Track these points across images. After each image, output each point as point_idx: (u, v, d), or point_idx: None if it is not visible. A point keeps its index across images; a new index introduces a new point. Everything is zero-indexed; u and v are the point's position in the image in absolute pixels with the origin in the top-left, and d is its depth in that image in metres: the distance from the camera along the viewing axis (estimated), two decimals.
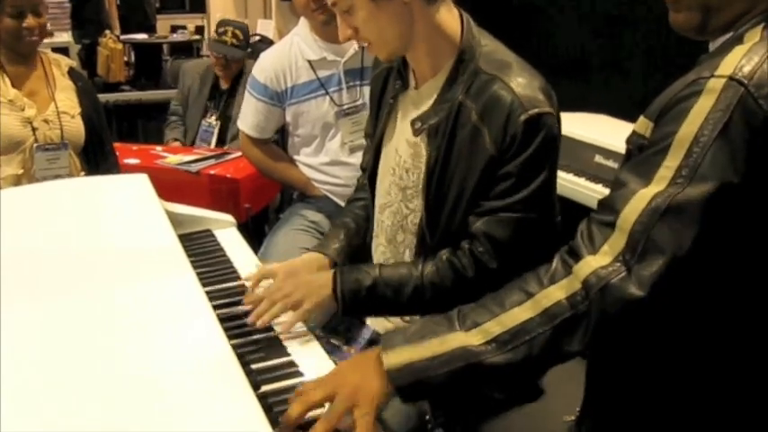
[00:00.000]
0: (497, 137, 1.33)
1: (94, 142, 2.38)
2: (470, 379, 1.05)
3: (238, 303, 1.44)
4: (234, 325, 1.33)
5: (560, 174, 2.67)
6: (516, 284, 1.08)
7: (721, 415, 1.09)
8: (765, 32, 0.99)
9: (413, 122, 1.45)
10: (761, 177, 0.95)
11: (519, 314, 1.04)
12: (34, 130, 2.20)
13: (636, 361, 1.14)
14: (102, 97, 3.88)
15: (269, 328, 1.34)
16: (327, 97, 2.39)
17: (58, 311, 1.21)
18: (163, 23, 8.11)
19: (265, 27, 6.97)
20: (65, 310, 1.22)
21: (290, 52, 2.42)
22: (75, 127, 2.30)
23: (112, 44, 6.45)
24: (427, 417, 1.45)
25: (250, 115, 2.51)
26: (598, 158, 2.71)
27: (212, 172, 3.06)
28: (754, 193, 0.96)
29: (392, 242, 1.56)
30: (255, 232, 3.08)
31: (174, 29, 8.09)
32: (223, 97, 3.72)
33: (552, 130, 1.35)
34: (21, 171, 2.20)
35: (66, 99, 2.31)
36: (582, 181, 2.69)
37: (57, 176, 2.20)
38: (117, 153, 2.56)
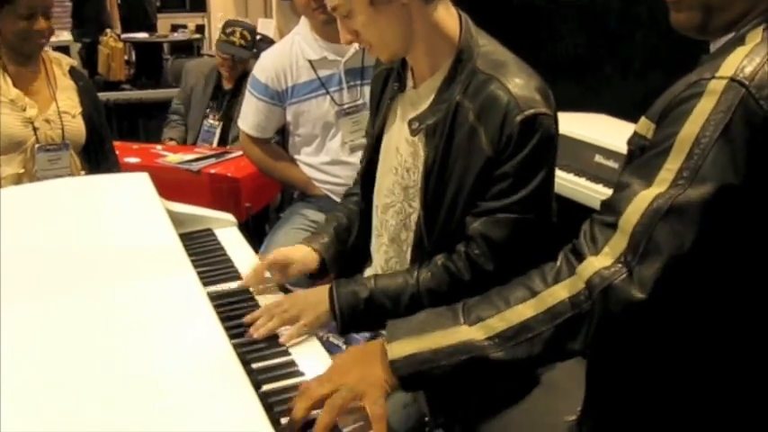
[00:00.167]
0: (494, 137, 1.33)
1: (95, 142, 2.38)
2: (472, 372, 1.06)
3: (239, 303, 1.44)
4: (234, 324, 1.33)
5: (561, 174, 2.71)
6: (521, 281, 1.09)
7: (722, 415, 1.09)
8: (767, 33, 0.99)
9: (410, 122, 1.45)
10: (762, 178, 0.95)
11: (523, 311, 1.05)
12: (35, 130, 2.20)
13: (636, 361, 1.14)
14: (103, 96, 3.88)
15: None
16: (328, 97, 2.39)
17: (59, 311, 1.21)
18: (163, 22, 8.12)
19: (266, 26, 6.96)
20: (65, 310, 1.22)
21: (291, 52, 2.43)
22: (77, 127, 2.30)
23: (113, 43, 6.46)
24: (426, 418, 1.45)
25: (251, 115, 2.51)
26: (598, 158, 2.71)
27: (213, 171, 3.07)
28: (755, 195, 0.96)
29: (395, 241, 1.56)
30: (256, 231, 3.08)
31: (174, 28, 8.10)
32: (226, 98, 3.72)
33: (549, 130, 1.35)
34: (22, 171, 2.20)
35: (67, 99, 2.31)
36: (582, 181, 2.69)
37: (58, 176, 2.19)
38: (117, 152, 2.56)
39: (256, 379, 1.16)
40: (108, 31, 6.55)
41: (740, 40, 1.01)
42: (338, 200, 2.41)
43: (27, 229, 1.58)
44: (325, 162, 2.46)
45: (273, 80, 2.42)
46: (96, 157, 2.40)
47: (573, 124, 2.83)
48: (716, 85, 0.95)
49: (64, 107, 2.28)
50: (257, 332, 1.30)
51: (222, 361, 1.08)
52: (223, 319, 1.25)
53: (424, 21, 1.39)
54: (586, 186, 2.67)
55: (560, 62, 4.01)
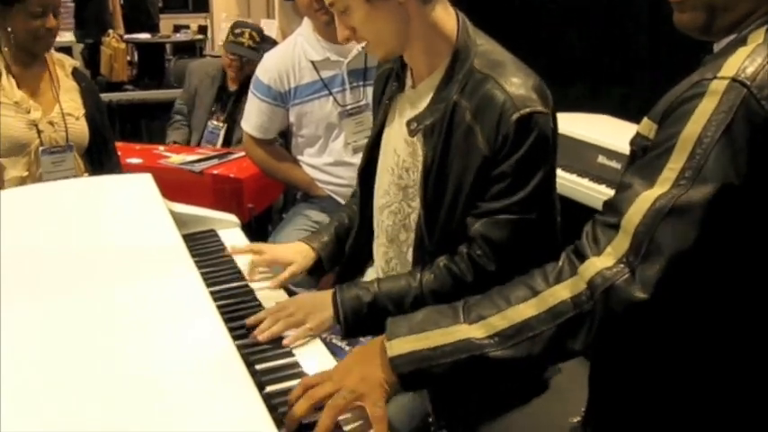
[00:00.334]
0: (490, 136, 1.34)
1: (98, 143, 2.38)
2: (472, 371, 1.06)
3: (243, 303, 1.44)
4: (238, 325, 1.33)
5: (563, 174, 2.71)
6: (523, 280, 1.09)
7: (726, 417, 1.09)
8: None
9: (408, 123, 1.45)
10: (763, 178, 0.95)
11: (524, 310, 1.05)
12: (39, 132, 2.20)
13: (640, 363, 1.14)
14: (106, 97, 3.88)
15: None
16: (331, 98, 2.39)
17: (63, 311, 1.22)
18: (166, 23, 8.12)
19: (268, 27, 6.96)
20: (69, 310, 1.22)
21: (294, 53, 2.43)
22: (80, 128, 2.30)
23: (115, 44, 6.46)
24: (430, 419, 1.45)
25: (254, 116, 2.51)
26: (601, 159, 2.71)
27: (215, 172, 3.07)
28: (757, 195, 0.96)
29: (394, 242, 1.56)
30: (258, 232, 3.08)
31: (177, 28, 8.10)
32: (230, 99, 3.70)
33: (545, 129, 1.34)
34: (26, 173, 2.20)
35: (71, 100, 2.31)
36: (585, 181, 2.69)
37: (62, 178, 2.19)
38: (119, 153, 2.56)
39: (260, 380, 1.16)
40: (110, 31, 6.55)
41: (742, 41, 1.01)
42: (341, 200, 2.42)
43: (31, 229, 1.58)
44: (328, 163, 2.46)
45: (276, 81, 2.42)
46: (99, 159, 2.40)
47: (576, 125, 2.83)
48: (718, 86, 0.96)
49: (67, 109, 2.28)
50: (261, 335, 1.30)
51: (226, 362, 1.08)
52: (227, 320, 1.25)
53: (421, 20, 1.39)
54: (589, 187, 2.67)
55: (564, 63, 4.00)
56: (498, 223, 1.36)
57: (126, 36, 6.97)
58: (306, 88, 2.41)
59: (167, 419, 0.95)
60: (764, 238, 1.00)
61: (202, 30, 8.24)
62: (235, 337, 1.20)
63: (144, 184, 1.84)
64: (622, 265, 0.98)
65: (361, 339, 1.58)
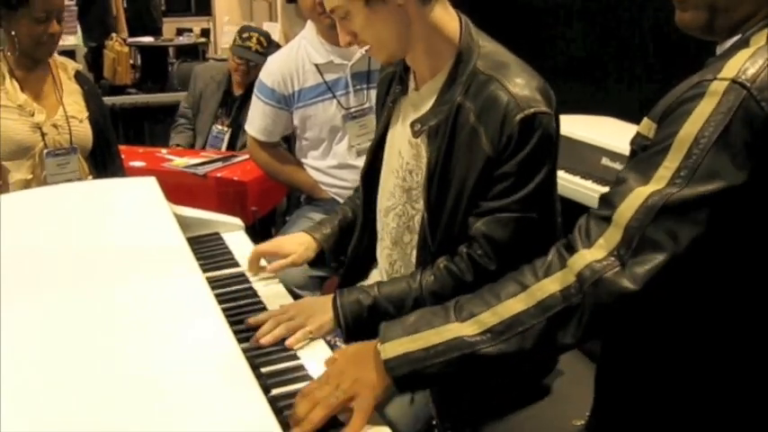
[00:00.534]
0: (494, 137, 1.34)
1: (101, 146, 2.39)
2: (465, 369, 1.07)
3: (247, 306, 1.44)
4: (243, 328, 1.34)
5: (567, 176, 2.70)
6: (512, 276, 1.10)
7: (730, 419, 1.08)
8: None
9: (412, 124, 1.46)
10: (762, 180, 0.95)
11: (513, 305, 1.05)
12: (43, 135, 2.20)
13: (645, 367, 1.14)
14: (109, 100, 3.89)
15: None
16: (335, 101, 2.39)
17: (67, 314, 1.22)
18: (168, 26, 8.13)
19: (271, 30, 6.96)
20: (74, 312, 1.22)
21: (297, 56, 2.43)
22: (84, 131, 2.31)
23: (119, 47, 6.47)
24: (434, 422, 1.45)
25: (258, 119, 2.52)
26: (605, 161, 2.70)
27: (219, 175, 3.07)
28: (755, 196, 0.96)
29: (398, 244, 1.56)
30: (262, 235, 3.08)
31: (179, 32, 8.11)
32: (235, 104, 3.69)
33: (549, 129, 1.35)
34: (30, 176, 2.20)
35: (74, 103, 2.32)
36: (588, 183, 2.69)
37: (67, 181, 2.20)
38: (123, 156, 2.56)
39: (265, 383, 1.16)
40: (113, 35, 6.56)
41: (745, 43, 1.01)
42: None
43: (36, 232, 1.59)
44: (332, 166, 2.46)
45: (280, 84, 2.43)
46: (103, 162, 2.40)
47: (580, 127, 2.82)
48: (717, 87, 0.96)
49: (71, 111, 2.28)
50: (263, 338, 1.31)
51: (231, 365, 1.09)
52: (231, 323, 1.25)
53: (421, 22, 1.40)
54: (593, 189, 2.66)
55: (567, 64, 4.01)
56: (500, 221, 1.36)
57: (129, 39, 6.99)
58: (309, 91, 2.41)
59: (173, 422, 0.95)
60: (760, 239, 1.00)
61: (205, 33, 8.25)
62: (240, 340, 1.20)
63: (148, 188, 1.85)
64: (613, 258, 0.99)
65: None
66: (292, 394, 1.13)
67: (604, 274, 0.98)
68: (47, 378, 1.04)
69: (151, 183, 1.87)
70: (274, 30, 6.97)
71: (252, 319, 1.35)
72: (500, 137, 1.33)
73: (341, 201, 2.44)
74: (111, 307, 1.26)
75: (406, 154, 1.50)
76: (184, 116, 3.87)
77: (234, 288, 1.53)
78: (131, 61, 6.98)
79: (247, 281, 1.57)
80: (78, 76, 2.39)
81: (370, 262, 1.70)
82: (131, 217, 1.72)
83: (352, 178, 2.39)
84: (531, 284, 1.06)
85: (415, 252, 1.51)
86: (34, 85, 2.25)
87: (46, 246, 1.50)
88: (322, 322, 1.36)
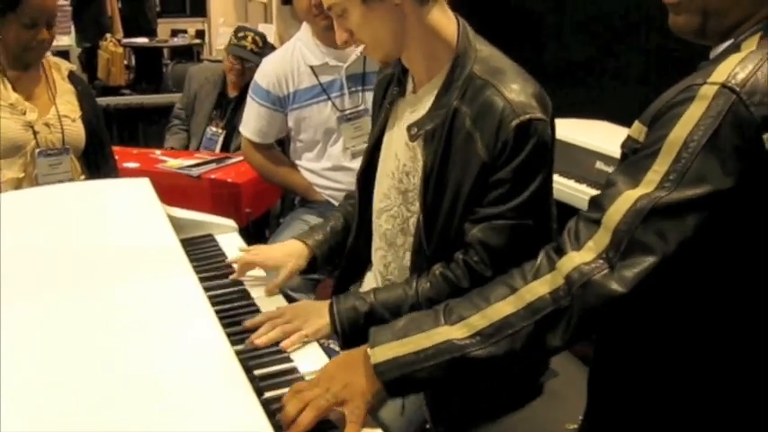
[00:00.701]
0: (489, 143, 1.34)
1: (95, 146, 2.38)
2: (455, 372, 1.07)
3: (241, 308, 1.44)
4: (236, 331, 1.33)
5: (561, 180, 2.70)
6: (502, 279, 1.10)
7: (722, 424, 1.08)
8: (763, 41, 1.00)
9: (409, 128, 1.45)
10: (751, 184, 0.95)
11: (502, 308, 1.05)
12: (35, 133, 2.20)
13: (639, 370, 1.14)
14: (103, 101, 3.88)
15: None
16: (329, 102, 2.39)
17: (60, 315, 1.21)
18: (163, 27, 8.12)
19: (266, 32, 6.97)
20: (66, 314, 1.22)
21: (293, 57, 2.43)
22: (76, 131, 2.30)
23: (113, 48, 6.45)
24: (427, 425, 1.45)
25: (252, 120, 2.51)
26: (599, 165, 2.71)
27: (213, 176, 3.06)
28: (744, 200, 0.96)
29: (392, 246, 1.56)
30: (256, 237, 3.08)
31: (174, 33, 8.10)
32: (230, 106, 3.68)
33: (544, 136, 1.35)
34: (21, 175, 2.19)
35: (67, 103, 2.31)
36: (582, 187, 2.69)
37: (59, 181, 2.19)
38: (117, 157, 2.56)
39: (258, 386, 1.15)
40: (108, 35, 6.55)
41: (736, 48, 1.01)
42: None
43: (29, 232, 1.58)
44: (327, 168, 2.46)
45: (275, 86, 2.42)
46: (96, 162, 2.39)
47: (573, 131, 2.83)
48: (707, 91, 0.96)
49: (64, 111, 2.27)
50: (258, 340, 1.30)
51: (224, 367, 1.08)
52: (225, 325, 1.25)
53: (418, 22, 1.40)
54: (587, 193, 2.66)
55: (561, 69, 4.02)
56: (496, 229, 1.36)
57: (124, 40, 6.97)
58: (304, 93, 2.41)
59: (166, 424, 0.95)
60: (748, 242, 1.00)
61: (200, 34, 8.23)
62: (233, 342, 1.20)
63: (141, 189, 1.84)
64: (602, 261, 0.99)
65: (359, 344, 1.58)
66: None
67: (593, 276, 0.99)
68: (42, 378, 1.04)
69: (144, 184, 1.86)
70: (269, 31, 6.96)
71: (248, 322, 1.35)
72: (495, 142, 1.33)
73: (335, 203, 2.44)
74: (102, 309, 1.25)
75: (402, 156, 1.50)
76: (179, 117, 3.86)
77: (227, 290, 1.53)
78: (126, 62, 6.97)
79: (241, 283, 1.56)
80: (72, 77, 2.38)
81: (365, 264, 1.70)
82: (124, 218, 1.71)
83: (347, 180, 2.39)
84: (520, 287, 1.06)
85: (408, 255, 1.51)
86: (27, 85, 2.24)
87: (37, 246, 1.49)
88: (319, 326, 1.36)
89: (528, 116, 1.33)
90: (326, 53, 2.39)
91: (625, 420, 1.17)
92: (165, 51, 7.65)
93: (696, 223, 0.96)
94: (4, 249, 1.42)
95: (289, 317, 1.35)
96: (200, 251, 1.71)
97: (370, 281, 1.66)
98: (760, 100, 0.94)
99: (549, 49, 4.15)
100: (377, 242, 1.61)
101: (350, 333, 1.36)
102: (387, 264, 1.58)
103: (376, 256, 1.62)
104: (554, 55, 4.13)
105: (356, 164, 2.34)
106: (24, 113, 2.19)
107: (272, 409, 1.09)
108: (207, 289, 1.41)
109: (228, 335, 1.21)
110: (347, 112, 2.39)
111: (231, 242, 1.78)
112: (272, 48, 3.58)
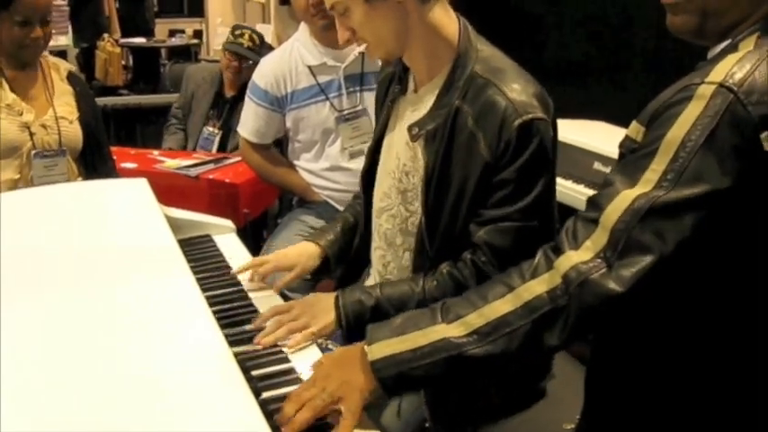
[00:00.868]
0: (492, 143, 1.34)
1: (92, 147, 2.37)
2: (452, 371, 1.07)
3: (238, 309, 1.44)
4: (234, 332, 1.33)
5: (559, 181, 2.69)
6: (499, 278, 1.10)
7: (719, 424, 1.08)
8: (760, 41, 1.00)
9: (410, 128, 1.45)
10: (749, 183, 0.95)
11: (500, 307, 1.06)
12: (32, 135, 2.19)
13: (635, 370, 1.14)
14: (101, 101, 3.86)
15: None
16: (327, 103, 2.39)
17: (58, 316, 1.21)
18: (161, 27, 8.12)
19: (264, 32, 6.96)
20: (64, 315, 1.21)
21: (291, 58, 2.43)
22: (73, 132, 2.29)
23: (111, 48, 6.44)
24: (427, 425, 1.45)
25: (250, 120, 2.51)
26: (597, 165, 2.71)
27: (211, 177, 3.06)
28: (742, 200, 0.96)
29: (392, 245, 1.56)
30: (254, 237, 3.07)
31: (172, 33, 8.10)
32: (227, 106, 3.66)
33: (546, 136, 1.35)
34: (18, 176, 2.18)
35: (65, 104, 2.30)
36: (581, 188, 2.69)
37: (54, 182, 2.18)
38: (114, 157, 2.55)
39: (256, 386, 1.15)
40: (105, 36, 6.54)
41: (734, 48, 1.02)
42: (337, 206, 2.41)
43: (27, 233, 1.58)
44: (325, 168, 2.46)
45: (273, 86, 2.42)
46: (94, 163, 2.38)
47: (572, 131, 2.83)
48: (705, 90, 0.96)
49: (61, 112, 2.27)
50: (265, 340, 1.30)
51: (222, 368, 1.08)
52: (222, 326, 1.24)
53: (420, 20, 1.40)
54: (585, 193, 2.66)
55: (559, 69, 4.02)
56: (502, 231, 1.36)
57: (121, 40, 6.96)
58: (302, 93, 2.40)
59: (164, 425, 0.95)
60: (745, 241, 1.00)
61: (197, 34, 8.24)
62: (231, 343, 1.20)
63: (139, 189, 1.84)
64: (599, 260, 0.99)
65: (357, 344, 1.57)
66: (283, 397, 1.12)
67: (590, 275, 0.99)
68: (36, 378, 1.04)
69: (142, 184, 1.86)
70: (267, 31, 6.96)
71: (256, 322, 1.35)
72: (498, 142, 1.33)
73: (333, 203, 2.44)
74: (100, 309, 1.25)
75: (402, 155, 1.50)
76: (176, 117, 3.85)
77: (225, 291, 1.52)
78: (123, 62, 6.96)
79: (238, 284, 1.56)
80: (71, 77, 2.37)
81: (366, 263, 1.69)
82: (122, 218, 1.71)
83: (345, 181, 2.39)
84: (517, 286, 1.06)
85: (407, 255, 1.51)
86: (24, 85, 2.24)
87: (34, 246, 1.49)
88: (326, 323, 1.36)
89: (530, 116, 1.33)
90: (324, 53, 2.38)
91: (622, 420, 1.17)
92: (163, 51, 7.65)
93: (694, 223, 0.96)
94: (1, 249, 1.41)
95: (296, 312, 1.35)
96: (198, 251, 1.71)
97: (370, 281, 1.66)
98: (757, 99, 0.94)
99: (549, 48, 4.15)
100: (376, 241, 1.61)
101: (354, 327, 1.37)
102: (386, 263, 1.58)
103: (375, 255, 1.62)
104: (553, 55, 4.13)
105: (354, 164, 2.35)
106: (21, 114, 2.19)
107: (269, 410, 1.09)
108: (204, 289, 1.41)
109: (226, 335, 1.21)
110: (345, 112, 2.39)
111: (229, 243, 1.78)
112: (270, 48, 3.57)
